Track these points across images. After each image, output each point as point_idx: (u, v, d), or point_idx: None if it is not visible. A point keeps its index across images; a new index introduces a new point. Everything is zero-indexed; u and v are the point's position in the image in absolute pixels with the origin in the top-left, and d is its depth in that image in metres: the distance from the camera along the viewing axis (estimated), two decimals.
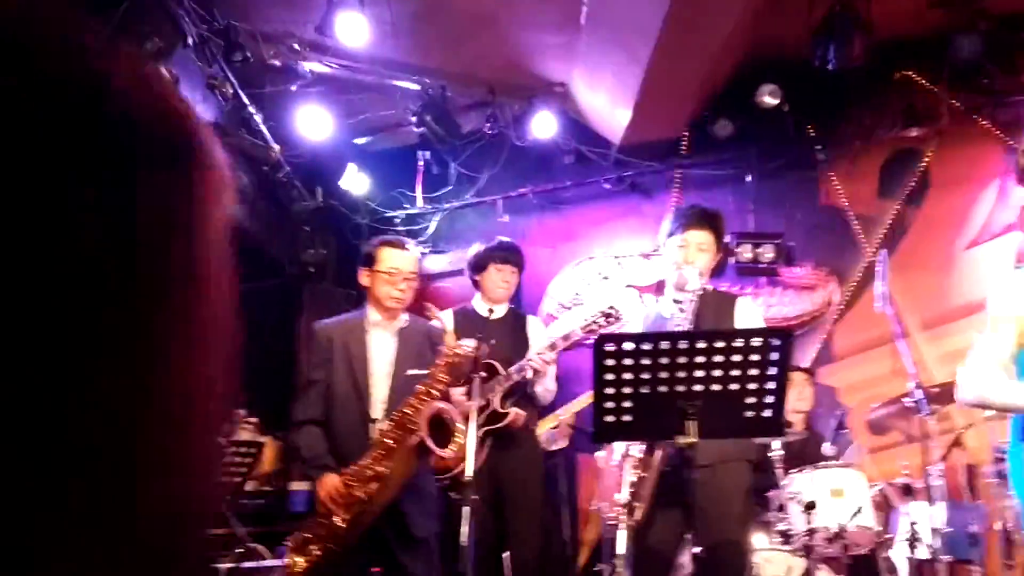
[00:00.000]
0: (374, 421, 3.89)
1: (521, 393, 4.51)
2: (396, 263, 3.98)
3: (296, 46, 5.78)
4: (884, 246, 5.91)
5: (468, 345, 3.74)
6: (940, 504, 4.18)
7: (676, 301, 3.62)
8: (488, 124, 6.55)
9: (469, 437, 3.46)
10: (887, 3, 5.61)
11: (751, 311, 3.67)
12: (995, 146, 6.02)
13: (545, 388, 4.57)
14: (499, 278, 4.67)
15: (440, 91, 6.30)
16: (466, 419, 3.58)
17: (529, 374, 4.38)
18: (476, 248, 4.93)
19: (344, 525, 3.71)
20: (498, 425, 4.37)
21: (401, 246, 4.08)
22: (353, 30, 5.16)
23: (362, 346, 3.98)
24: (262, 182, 6.45)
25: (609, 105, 6.41)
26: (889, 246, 5.95)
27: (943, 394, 4.40)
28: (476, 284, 4.82)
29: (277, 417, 5.30)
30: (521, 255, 4.81)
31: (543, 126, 6.52)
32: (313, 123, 6.23)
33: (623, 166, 6.82)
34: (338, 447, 3.89)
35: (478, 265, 4.78)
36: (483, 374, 4.26)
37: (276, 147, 6.15)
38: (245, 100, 5.64)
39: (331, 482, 3.74)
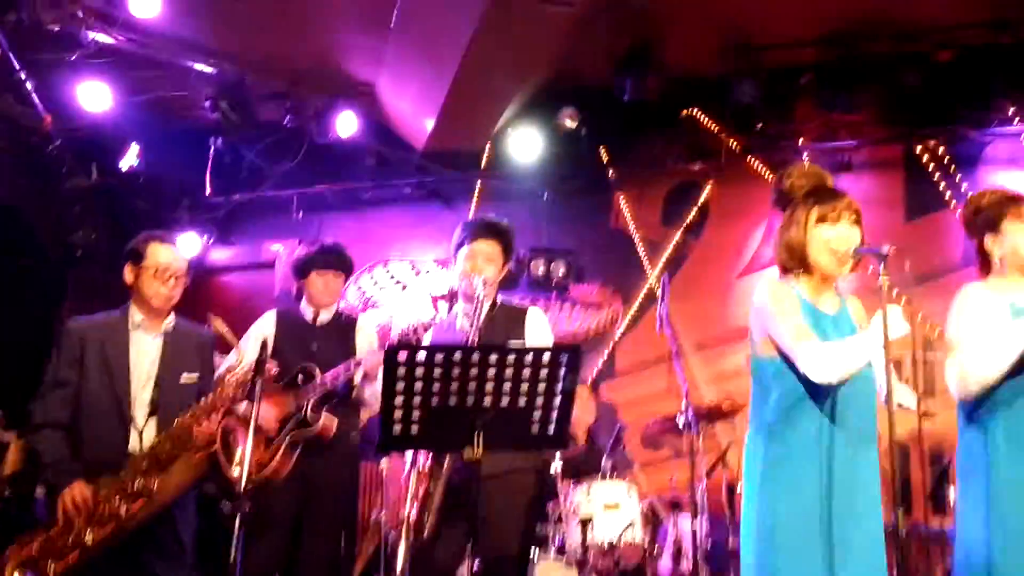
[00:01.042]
0: (137, 431, 3.63)
1: (339, 399, 4.34)
2: (164, 260, 3.75)
3: (80, 13, 5.38)
4: (666, 270, 6.24)
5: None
6: (703, 518, 4.44)
7: (467, 313, 3.65)
8: (288, 117, 6.37)
9: (248, 447, 3.31)
10: (681, 46, 5.97)
11: (541, 322, 3.75)
12: (766, 186, 6.49)
13: (374, 393, 4.43)
14: (321, 284, 4.47)
15: (238, 77, 6.05)
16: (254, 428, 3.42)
17: (358, 378, 4.23)
18: (299, 252, 4.73)
19: (91, 541, 3.43)
20: (307, 431, 4.20)
21: (170, 242, 3.84)
22: (145, 2, 4.86)
23: (122, 349, 3.71)
24: (28, 153, 5.93)
25: (414, 110, 6.40)
26: (671, 271, 6.28)
27: (712, 413, 4.69)
28: (299, 290, 4.63)
29: (26, 413, 4.88)
30: (346, 259, 4.62)
31: (345, 125, 6.41)
32: (93, 96, 5.80)
33: (425, 172, 6.83)
34: (89, 455, 3.60)
35: (300, 271, 4.58)
36: (300, 378, 4.14)
37: (47, 117, 5.68)
38: (15, 64, 5.19)
39: (80, 491, 3.46)
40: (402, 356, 2.81)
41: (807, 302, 2.75)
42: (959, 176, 6.46)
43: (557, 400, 3.04)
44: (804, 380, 2.65)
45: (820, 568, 2.57)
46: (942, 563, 4.20)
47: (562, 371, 3.06)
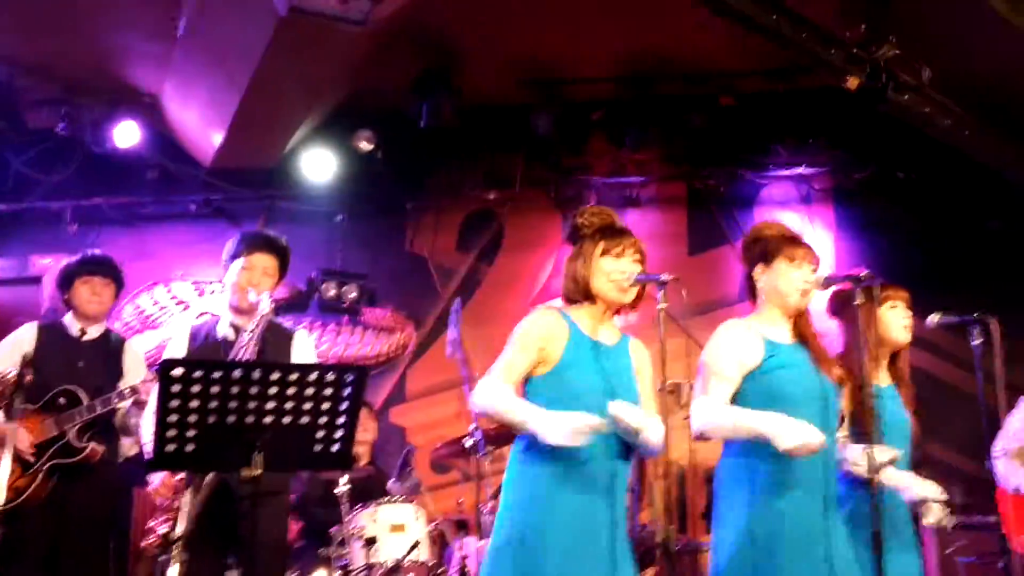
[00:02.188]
0: None
1: (104, 424, 4.03)
2: None
3: None
4: (459, 296, 6.27)
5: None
6: (488, 540, 4.44)
7: (233, 326, 3.52)
8: (61, 124, 5.96)
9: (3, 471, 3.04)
10: (479, 74, 6.06)
11: (307, 346, 3.69)
12: (558, 217, 6.69)
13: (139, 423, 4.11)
14: (87, 292, 4.18)
15: (5, 79, 5.62)
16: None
17: (127, 404, 3.94)
18: (62, 263, 4.40)
19: None
20: (71, 460, 3.89)
21: None
22: None
23: None
24: None
25: (201, 124, 6.14)
26: (463, 296, 6.32)
27: (500, 437, 4.72)
28: (67, 304, 4.29)
29: None
30: (113, 267, 4.35)
31: (126, 135, 6.07)
32: None
33: (212, 189, 6.55)
34: None
35: (63, 282, 4.26)
36: (61, 400, 3.88)
37: None
38: None
39: None
40: (177, 371, 2.67)
41: (581, 332, 2.84)
42: (737, 215, 6.90)
43: (341, 420, 2.97)
44: None
45: None
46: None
47: (347, 390, 2.99)
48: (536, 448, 2.73)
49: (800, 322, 3.05)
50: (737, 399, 2.92)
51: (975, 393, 3.50)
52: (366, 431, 5.20)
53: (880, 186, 6.79)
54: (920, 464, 3.36)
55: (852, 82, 4.96)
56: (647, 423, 2.68)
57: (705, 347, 3.02)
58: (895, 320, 3.33)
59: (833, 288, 3.21)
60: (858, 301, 2.92)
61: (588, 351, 2.83)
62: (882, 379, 3.34)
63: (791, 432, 2.68)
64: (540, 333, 2.85)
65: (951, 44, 5.43)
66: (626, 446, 2.79)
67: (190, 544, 3.14)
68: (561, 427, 2.61)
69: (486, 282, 6.71)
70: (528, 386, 2.88)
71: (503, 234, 6.79)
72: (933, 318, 3.38)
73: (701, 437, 2.96)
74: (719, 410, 2.86)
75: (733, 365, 2.93)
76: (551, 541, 2.68)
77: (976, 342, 3.35)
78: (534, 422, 2.67)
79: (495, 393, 2.79)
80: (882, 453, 2.86)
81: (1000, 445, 4.21)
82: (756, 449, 2.82)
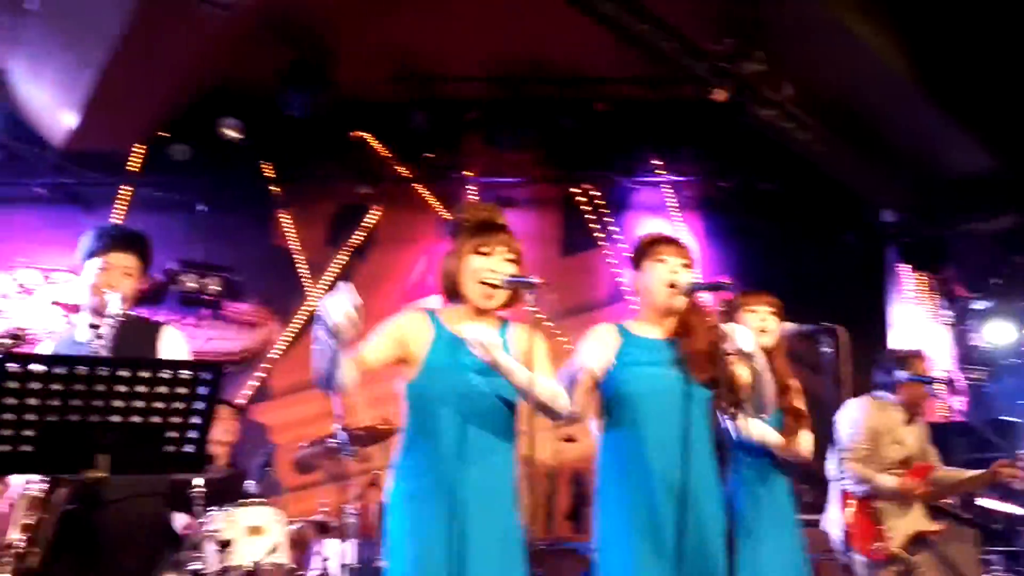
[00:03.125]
0: None
1: None
2: None
3: None
4: (328, 291, 6.13)
5: None
6: (352, 541, 4.37)
7: (93, 326, 3.32)
8: None
9: None
10: (354, 67, 5.92)
11: (177, 341, 3.50)
12: (432, 214, 6.63)
13: None
14: None
15: None
16: None
17: None
18: None
19: None
20: None
21: None
22: None
23: None
24: None
25: (53, 104, 5.78)
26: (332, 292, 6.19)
27: (367, 436, 4.63)
28: None
29: None
30: None
31: None
32: None
33: (62, 172, 6.19)
34: None
35: None
36: None
37: None
38: None
39: None
40: (13, 367, 2.48)
41: (448, 331, 2.78)
42: (611, 219, 7.00)
43: (195, 419, 2.84)
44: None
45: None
46: (575, 574, 4.44)
47: (202, 389, 2.86)
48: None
49: (687, 318, 3.06)
50: (603, 399, 2.99)
51: (825, 398, 3.63)
52: (226, 432, 5.01)
53: (745, 196, 7.02)
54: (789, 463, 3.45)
55: (719, 94, 5.09)
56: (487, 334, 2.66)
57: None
58: (753, 324, 3.42)
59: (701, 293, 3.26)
60: (719, 307, 3.00)
61: (450, 350, 2.76)
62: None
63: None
64: (401, 330, 2.79)
65: (811, 61, 5.65)
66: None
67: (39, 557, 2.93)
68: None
69: (357, 278, 6.58)
70: (407, 392, 2.81)
71: (376, 230, 6.68)
72: (786, 326, 3.48)
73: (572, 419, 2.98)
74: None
75: (591, 359, 2.99)
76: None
77: (825, 349, 3.47)
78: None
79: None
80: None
81: (841, 451, 4.38)
82: (615, 443, 2.93)
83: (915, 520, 4.24)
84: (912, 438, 4.42)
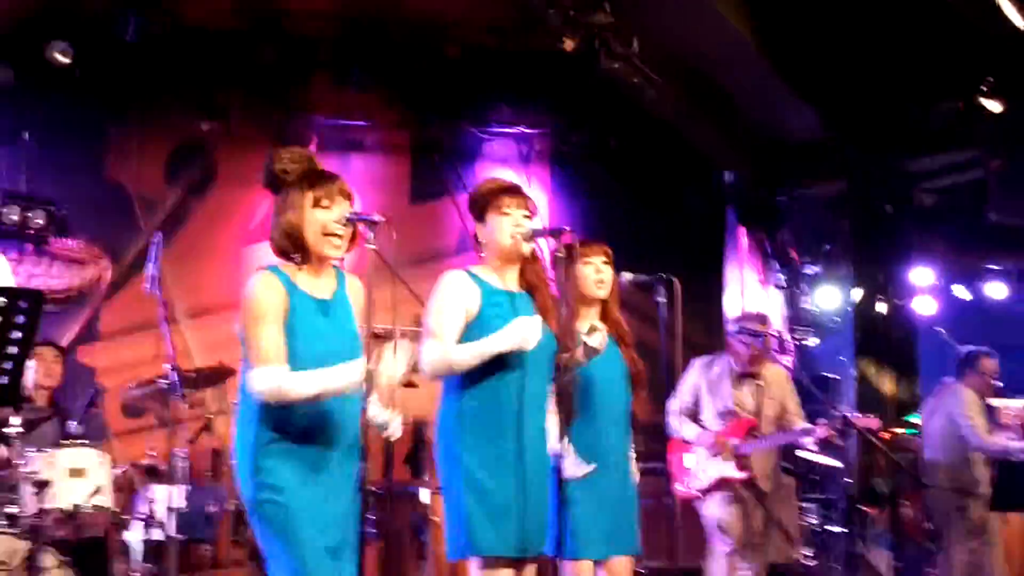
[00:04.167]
0: None
1: None
2: None
3: None
4: (163, 230, 5.89)
5: None
6: (181, 486, 4.25)
7: None
8: None
9: None
10: None
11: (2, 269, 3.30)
12: None
13: None
14: None
15: None
16: None
17: None
18: None
19: None
20: None
21: None
22: None
23: None
24: None
25: None
26: (169, 231, 5.96)
27: (200, 379, 4.50)
28: None
29: None
30: None
31: None
32: None
33: None
34: None
35: None
36: None
37: None
38: None
39: None
40: None
41: (299, 289, 2.72)
42: (460, 167, 6.96)
43: (11, 350, 2.69)
44: None
45: None
46: (409, 516, 4.48)
47: (19, 319, 2.71)
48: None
49: (528, 270, 3.14)
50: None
51: (658, 348, 3.75)
52: (49, 375, 4.75)
53: (595, 152, 7.13)
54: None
55: (568, 44, 5.15)
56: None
57: (429, 298, 3.06)
58: (588, 275, 3.49)
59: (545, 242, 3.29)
60: (558, 256, 3.05)
61: (304, 309, 2.71)
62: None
63: (514, 333, 2.89)
64: (276, 300, 2.68)
65: (659, 19, 5.78)
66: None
67: None
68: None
69: (195, 217, 6.34)
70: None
71: (216, 168, 6.42)
72: (624, 276, 3.57)
73: (435, 378, 3.03)
74: (455, 349, 2.95)
75: (457, 311, 3.01)
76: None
77: (660, 300, 3.58)
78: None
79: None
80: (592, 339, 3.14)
81: (673, 401, 4.61)
82: (465, 393, 2.97)
83: (722, 467, 4.50)
84: (745, 396, 4.65)
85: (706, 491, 4.54)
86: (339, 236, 2.73)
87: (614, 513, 3.36)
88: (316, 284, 2.78)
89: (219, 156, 6.44)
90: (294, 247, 2.73)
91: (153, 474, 4.52)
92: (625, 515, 3.42)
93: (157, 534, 4.19)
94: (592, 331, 3.15)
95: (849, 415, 4.67)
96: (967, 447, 5.54)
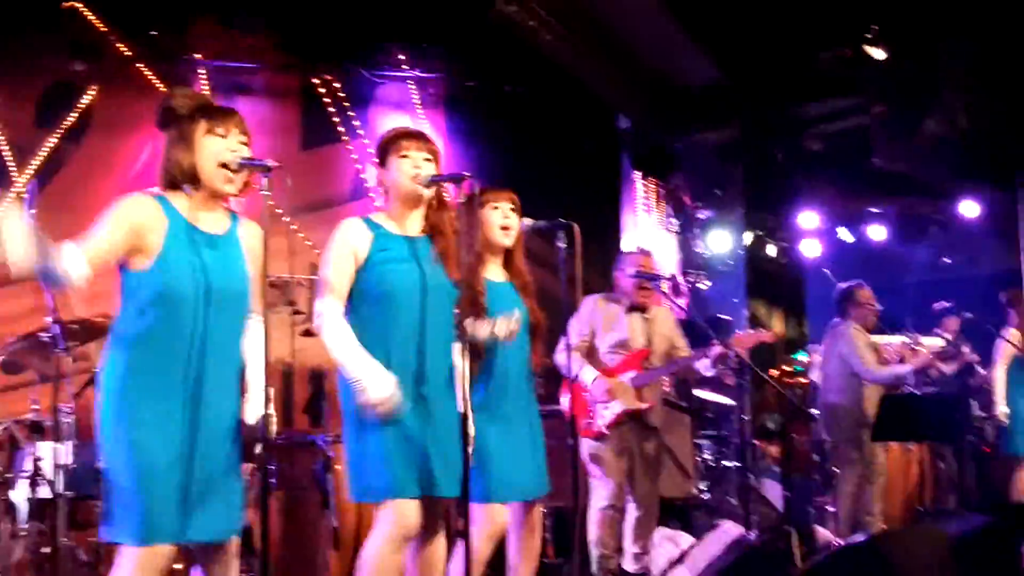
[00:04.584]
0: None
1: None
2: None
3: None
4: (36, 178, 5.59)
5: None
6: (68, 442, 4.09)
7: None
8: None
9: None
10: None
11: None
12: (158, 99, 6.09)
13: None
14: None
15: None
16: None
17: None
18: None
19: None
20: None
21: None
22: None
23: None
24: None
25: None
26: (43, 179, 5.65)
27: (83, 331, 4.29)
28: None
29: None
30: None
31: None
32: None
33: None
34: None
35: None
36: None
37: None
38: None
39: None
40: None
41: (184, 220, 2.65)
42: (353, 113, 6.77)
43: None
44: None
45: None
46: (312, 466, 4.42)
47: None
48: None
49: (432, 215, 3.11)
50: (352, 294, 3.01)
51: (558, 294, 3.75)
52: None
53: (490, 97, 7.05)
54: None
55: None
56: None
57: (325, 250, 3.05)
58: (495, 221, 3.46)
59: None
60: (460, 202, 3.05)
61: (187, 241, 2.62)
62: (495, 275, 3.47)
63: (373, 387, 2.85)
64: (134, 217, 2.60)
65: None
66: None
67: None
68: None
69: (71, 164, 5.98)
70: (125, 284, 2.63)
71: (92, 112, 6.08)
72: (525, 222, 3.55)
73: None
74: (337, 332, 2.94)
75: (347, 260, 3.00)
76: None
77: (560, 245, 3.58)
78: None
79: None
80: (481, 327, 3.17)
81: (566, 341, 4.64)
82: (365, 337, 2.95)
83: (625, 400, 4.57)
84: (636, 329, 4.72)
85: (611, 426, 4.59)
86: (233, 170, 2.65)
87: (524, 457, 3.38)
88: (205, 218, 2.69)
89: (95, 100, 6.08)
90: (185, 179, 2.66)
91: (37, 431, 4.32)
92: (535, 458, 3.44)
93: (44, 492, 4.03)
94: (508, 320, 3.17)
95: (741, 333, 4.77)
96: (861, 383, 5.76)
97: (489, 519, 3.27)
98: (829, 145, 8.23)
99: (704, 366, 4.62)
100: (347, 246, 3.01)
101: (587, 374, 4.58)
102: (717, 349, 4.53)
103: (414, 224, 3.11)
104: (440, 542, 3.09)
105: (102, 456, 2.55)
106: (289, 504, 4.32)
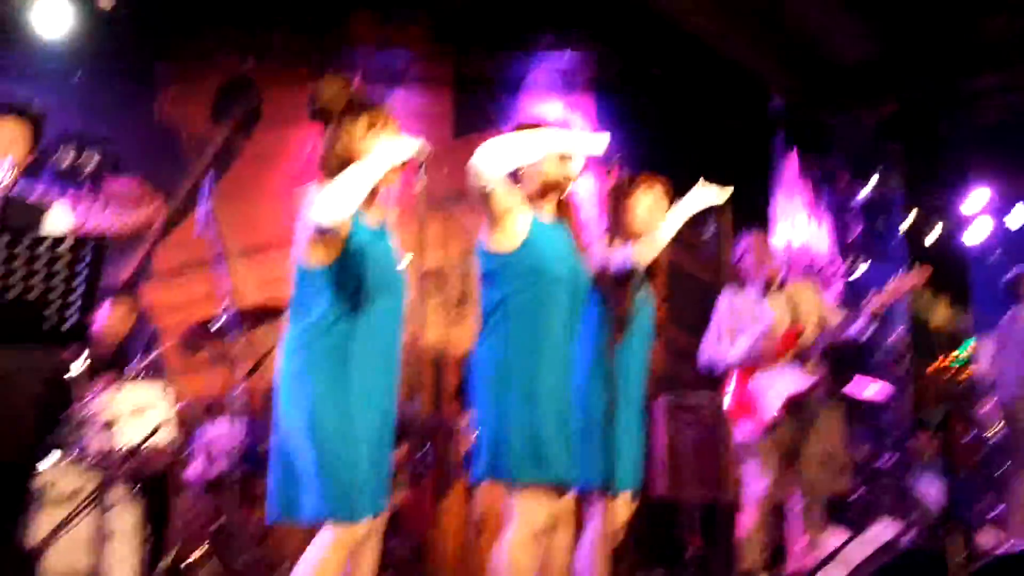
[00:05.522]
0: None
1: None
2: None
3: None
4: (213, 169, 5.95)
5: None
6: (240, 422, 4.37)
7: None
8: None
9: None
10: None
11: (64, 221, 3.38)
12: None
13: None
14: None
15: None
16: None
17: None
18: None
19: None
20: None
21: None
22: None
23: None
24: None
25: None
26: (218, 170, 6.01)
27: (255, 316, 4.58)
28: None
29: None
30: None
31: None
32: None
33: None
34: None
35: None
36: None
37: None
38: None
39: None
40: None
41: (360, 214, 2.76)
42: (503, 99, 6.88)
43: (77, 293, 2.77)
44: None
45: None
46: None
47: (84, 262, 2.78)
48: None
49: (561, 203, 3.17)
50: (497, 276, 3.04)
51: (703, 278, 3.73)
52: (123, 322, 4.88)
53: (639, 79, 7.01)
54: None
55: None
56: None
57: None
58: (648, 204, 3.49)
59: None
60: (611, 187, 3.07)
61: (368, 236, 2.78)
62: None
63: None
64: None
65: None
66: None
67: None
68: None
69: (244, 156, 6.38)
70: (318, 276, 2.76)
71: (262, 106, 6.44)
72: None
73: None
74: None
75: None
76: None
77: (711, 231, 3.56)
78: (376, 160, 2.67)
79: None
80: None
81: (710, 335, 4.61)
82: (508, 335, 2.98)
83: (787, 384, 4.49)
84: (776, 307, 4.63)
85: (780, 413, 4.50)
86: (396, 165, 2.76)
87: (630, 447, 3.40)
88: (369, 213, 2.83)
89: (265, 94, 6.44)
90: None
91: (212, 411, 4.64)
92: (637, 450, 3.46)
93: (217, 470, 4.32)
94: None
95: (893, 281, 4.57)
96: None
97: (612, 512, 3.30)
98: (1001, 119, 7.76)
99: (859, 328, 4.49)
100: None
101: (739, 347, 4.50)
102: (874, 304, 4.40)
103: (549, 209, 3.16)
104: (568, 533, 3.13)
105: (302, 435, 2.62)
106: (440, 488, 4.47)
